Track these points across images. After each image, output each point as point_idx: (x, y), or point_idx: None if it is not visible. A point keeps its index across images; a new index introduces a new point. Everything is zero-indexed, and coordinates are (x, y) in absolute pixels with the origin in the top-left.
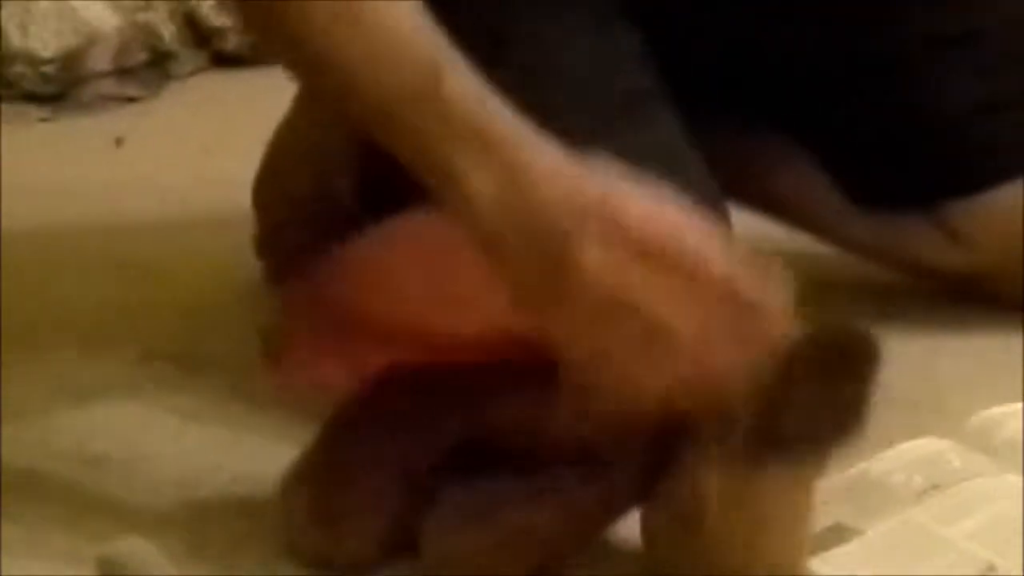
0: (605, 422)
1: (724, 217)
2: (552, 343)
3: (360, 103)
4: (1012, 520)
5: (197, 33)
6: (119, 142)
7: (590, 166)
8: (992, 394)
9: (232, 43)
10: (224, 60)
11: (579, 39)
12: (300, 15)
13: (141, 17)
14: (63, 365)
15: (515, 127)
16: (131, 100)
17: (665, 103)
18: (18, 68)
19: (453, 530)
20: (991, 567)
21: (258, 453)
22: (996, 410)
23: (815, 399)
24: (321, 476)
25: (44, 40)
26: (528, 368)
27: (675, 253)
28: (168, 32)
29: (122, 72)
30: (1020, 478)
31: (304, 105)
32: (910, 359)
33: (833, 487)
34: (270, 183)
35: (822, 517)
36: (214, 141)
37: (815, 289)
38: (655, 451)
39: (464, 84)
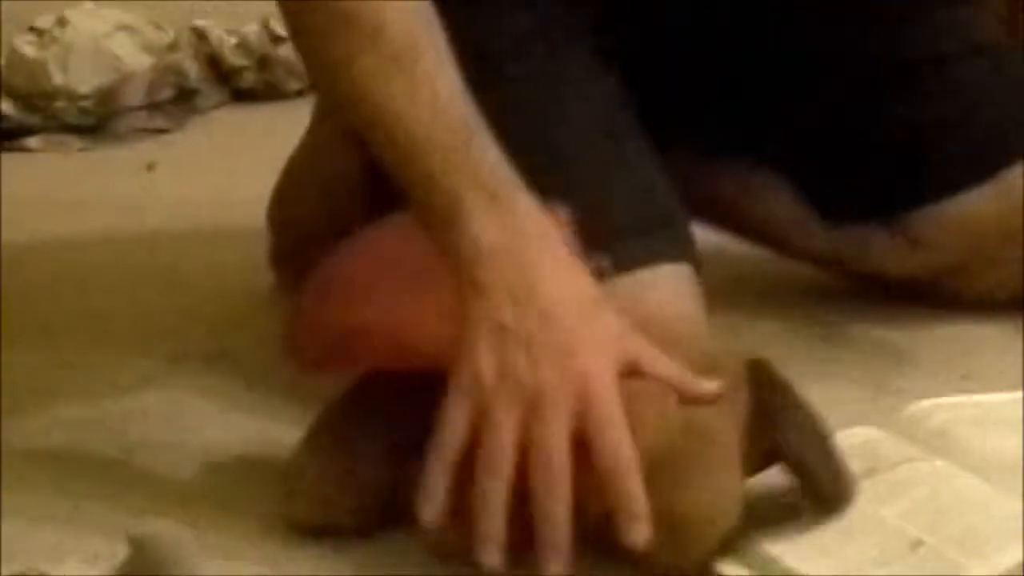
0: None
1: (690, 241)
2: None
3: (396, 146)
4: (940, 501)
5: (219, 72)
6: (151, 167)
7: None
8: (924, 388)
9: (250, 81)
10: (243, 96)
11: (569, 72)
12: (364, 70)
13: (169, 57)
14: (104, 364)
15: (521, 191)
16: (160, 131)
17: (636, 131)
18: (59, 103)
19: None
20: (919, 542)
21: (277, 439)
22: (926, 403)
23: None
24: (323, 447)
25: (83, 78)
26: None
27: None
28: (193, 71)
29: (152, 106)
30: (947, 463)
31: (313, 139)
32: (853, 359)
33: (779, 470)
34: (282, 204)
35: (770, 498)
36: (234, 167)
37: (771, 290)
38: None
39: (487, 147)
